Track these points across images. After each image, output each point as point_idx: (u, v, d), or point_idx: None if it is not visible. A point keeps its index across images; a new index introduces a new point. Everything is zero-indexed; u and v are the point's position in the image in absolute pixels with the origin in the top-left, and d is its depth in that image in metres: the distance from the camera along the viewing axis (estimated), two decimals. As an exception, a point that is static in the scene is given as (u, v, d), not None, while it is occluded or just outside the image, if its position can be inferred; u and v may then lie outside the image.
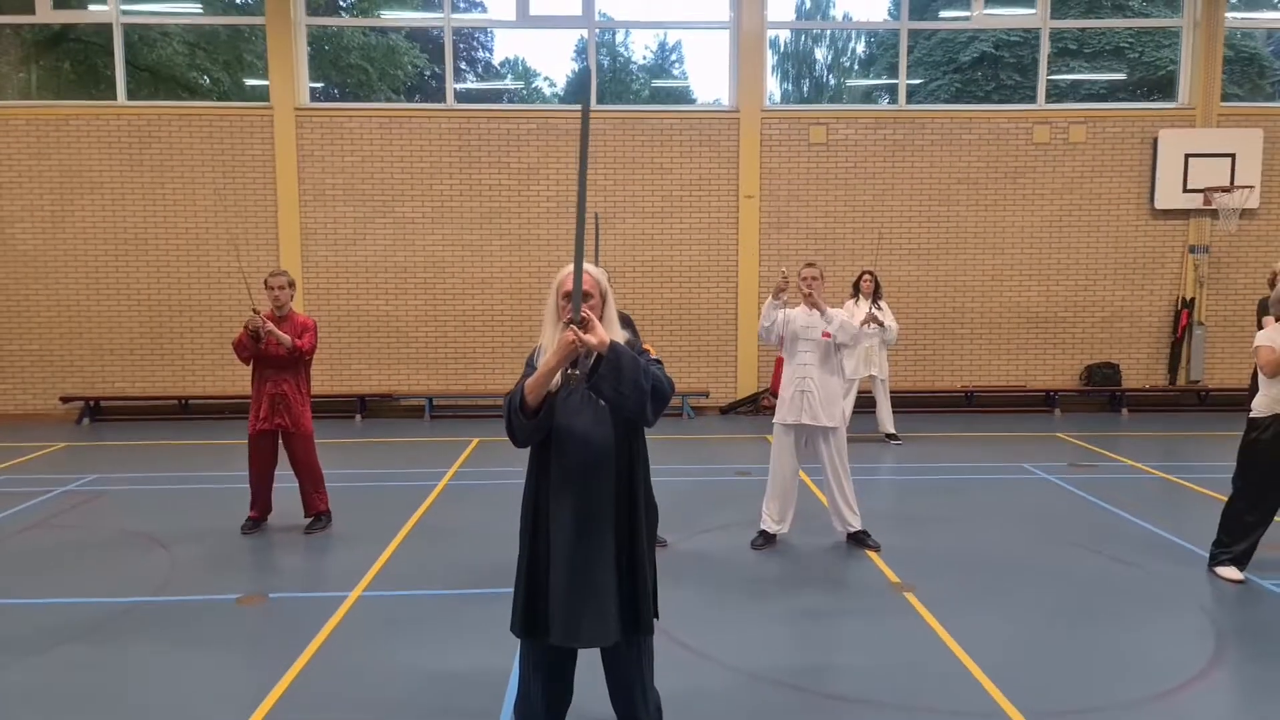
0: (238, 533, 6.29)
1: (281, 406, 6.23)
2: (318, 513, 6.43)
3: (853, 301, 9.47)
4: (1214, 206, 11.24)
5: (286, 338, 6.08)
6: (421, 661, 4.23)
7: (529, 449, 3.14)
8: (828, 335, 5.73)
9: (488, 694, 3.89)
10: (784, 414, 5.85)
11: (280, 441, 6.33)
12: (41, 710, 3.79)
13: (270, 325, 6.05)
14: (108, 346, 11.32)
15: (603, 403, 2.98)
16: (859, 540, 5.95)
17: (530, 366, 3.10)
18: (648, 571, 3.18)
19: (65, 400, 11.17)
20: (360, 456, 9.09)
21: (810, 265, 5.76)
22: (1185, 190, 11.38)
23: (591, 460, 3.04)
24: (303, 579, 5.47)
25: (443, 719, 3.69)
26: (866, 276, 9.44)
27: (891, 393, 10.13)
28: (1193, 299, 11.60)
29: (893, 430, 9.63)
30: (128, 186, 11.10)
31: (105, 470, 8.35)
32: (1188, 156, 11.32)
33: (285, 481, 6.48)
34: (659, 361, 3.24)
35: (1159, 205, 11.46)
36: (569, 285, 2.97)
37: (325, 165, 11.19)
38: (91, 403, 11.21)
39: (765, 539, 5.98)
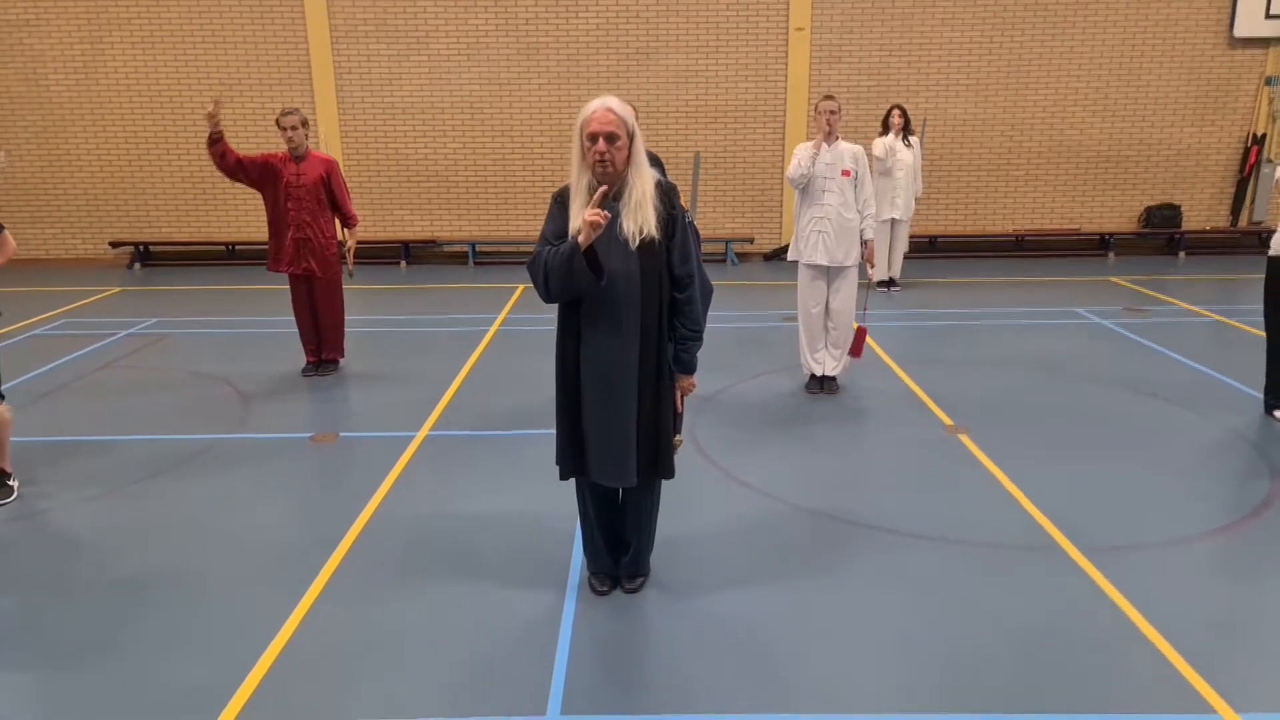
0: (299, 375, 6.49)
1: (306, 251, 6.23)
2: (330, 359, 6.56)
3: (881, 138, 9.13)
4: (1298, 33, 10.53)
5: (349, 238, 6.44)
6: (494, 500, 4.42)
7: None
8: (847, 173, 5.67)
9: (561, 526, 4.07)
10: (803, 253, 5.84)
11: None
12: (139, 537, 4.04)
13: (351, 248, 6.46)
14: (152, 193, 11.32)
15: (632, 249, 3.01)
16: (824, 383, 6.00)
17: (559, 206, 3.10)
18: (669, 417, 3.29)
19: (115, 245, 11.31)
20: (409, 302, 9.19)
21: (829, 98, 5.64)
22: (1269, 16, 10.62)
23: (619, 306, 3.07)
24: (370, 419, 5.66)
25: (523, 557, 3.89)
26: (896, 111, 9.08)
27: (938, 237, 9.93)
28: (1264, 135, 11.04)
29: (896, 274, 9.40)
30: (156, 24, 10.77)
31: (163, 314, 8.54)
32: (1276, -23, 10.52)
33: (347, 326, 6.63)
34: (692, 225, 3.23)
35: (1238, 33, 10.72)
36: (594, 125, 2.92)
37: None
38: (141, 248, 11.35)
39: (815, 382, 6.05)
